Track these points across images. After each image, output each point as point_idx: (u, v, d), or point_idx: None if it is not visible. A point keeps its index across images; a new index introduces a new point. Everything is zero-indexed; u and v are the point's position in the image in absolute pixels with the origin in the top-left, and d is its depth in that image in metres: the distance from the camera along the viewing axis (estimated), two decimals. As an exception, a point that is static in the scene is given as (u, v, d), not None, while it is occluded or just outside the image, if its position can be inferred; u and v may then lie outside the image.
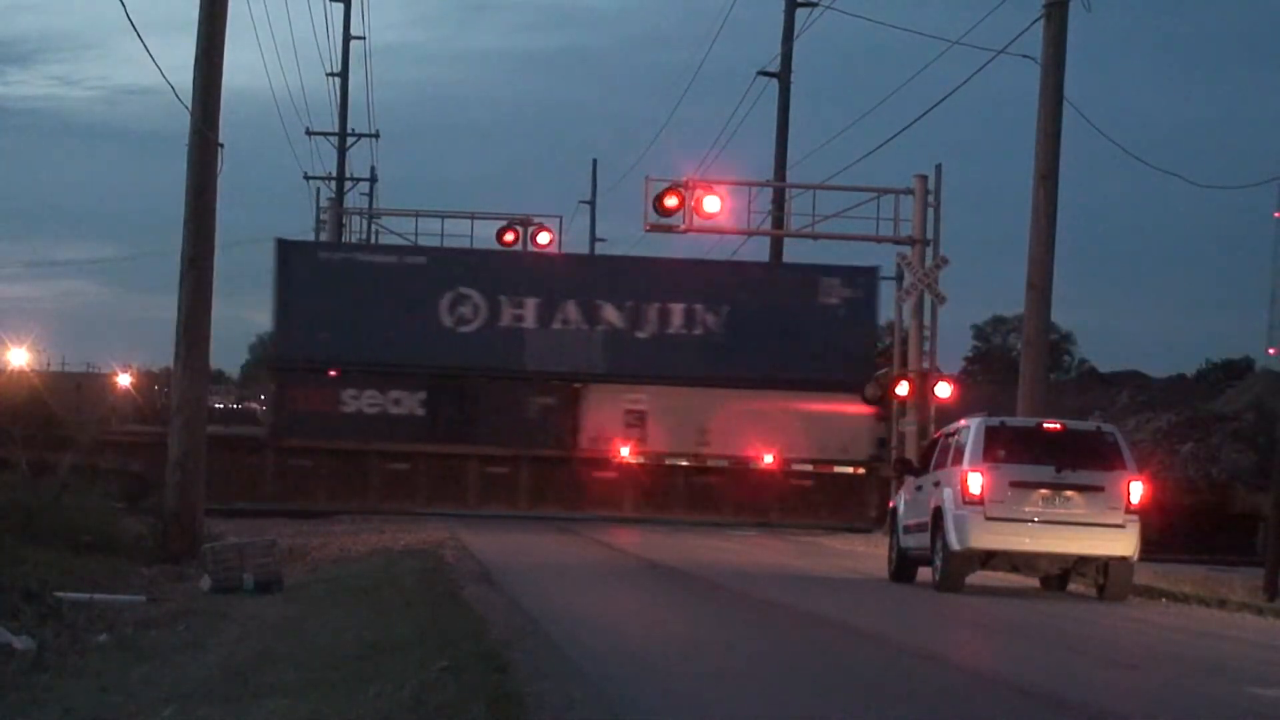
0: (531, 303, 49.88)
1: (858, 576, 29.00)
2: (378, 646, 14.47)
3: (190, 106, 27.95)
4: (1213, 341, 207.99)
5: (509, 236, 51.28)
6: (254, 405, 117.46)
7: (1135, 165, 46.73)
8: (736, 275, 51.15)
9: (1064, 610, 22.90)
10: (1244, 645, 19.26)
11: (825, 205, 46.76)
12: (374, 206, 75.32)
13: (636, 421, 49.69)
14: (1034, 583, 26.91)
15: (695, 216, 45.03)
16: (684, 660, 15.09)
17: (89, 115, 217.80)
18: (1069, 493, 24.66)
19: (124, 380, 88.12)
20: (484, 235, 52.03)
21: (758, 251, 54.98)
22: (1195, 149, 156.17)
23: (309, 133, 74.13)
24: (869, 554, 34.89)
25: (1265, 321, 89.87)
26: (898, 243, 46.16)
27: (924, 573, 26.31)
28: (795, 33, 55.92)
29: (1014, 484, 24.69)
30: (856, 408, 47.69)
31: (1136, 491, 24.75)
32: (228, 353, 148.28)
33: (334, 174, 74.21)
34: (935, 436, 29.03)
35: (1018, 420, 27.36)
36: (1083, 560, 25.04)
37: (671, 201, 44.63)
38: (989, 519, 24.60)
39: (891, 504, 29.40)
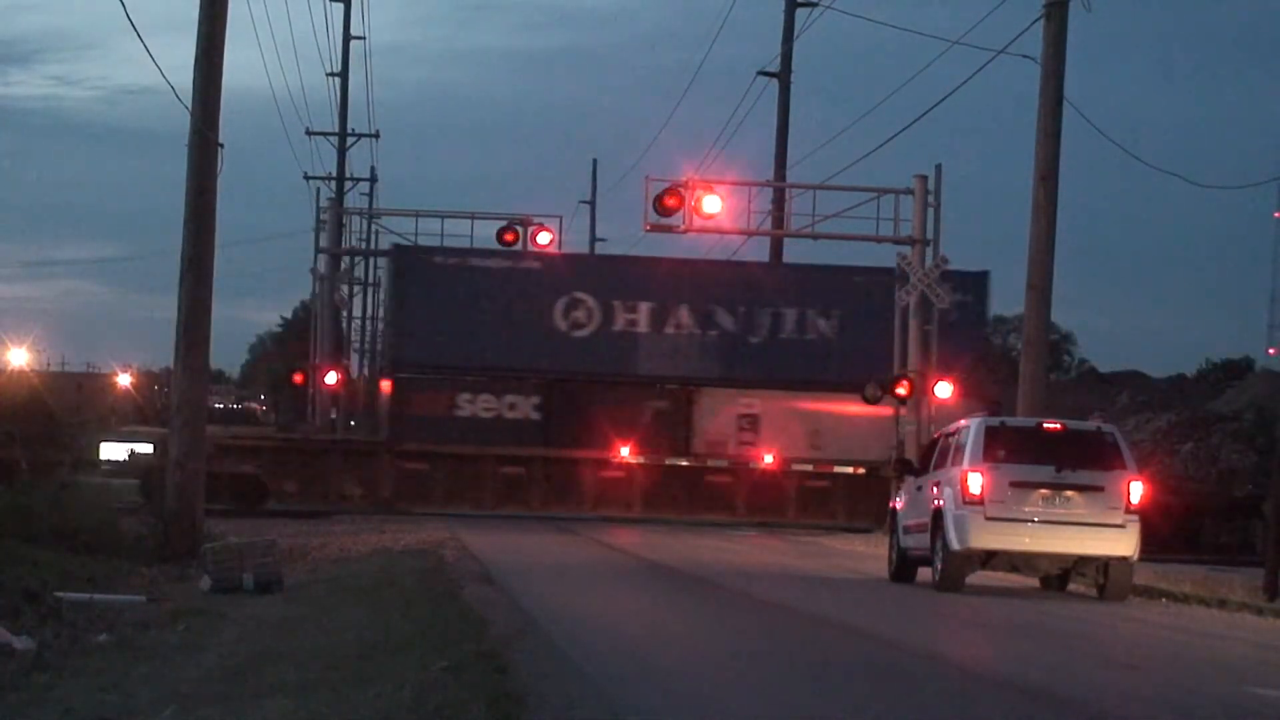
0: (644, 307, 50.09)
1: (858, 576, 29.00)
2: (378, 646, 14.47)
3: (190, 106, 27.95)
4: (1213, 341, 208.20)
5: (509, 237, 51.25)
6: (254, 405, 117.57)
7: (1135, 165, 46.72)
8: (848, 280, 51.08)
9: (1064, 610, 22.90)
10: (1244, 645, 19.26)
11: (825, 205, 46.80)
12: (374, 206, 75.40)
13: (749, 426, 49.76)
14: (1034, 583, 26.91)
15: (695, 216, 45.01)
16: (684, 660, 15.09)
17: (89, 115, 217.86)
18: (1069, 493, 24.66)
19: (124, 380, 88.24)
20: (484, 235, 52.04)
21: (758, 251, 55.04)
22: (1195, 149, 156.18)
23: (309, 133, 74.22)
24: (869, 554, 34.90)
25: (1265, 321, 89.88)
26: (898, 243, 46.15)
27: (924, 573, 26.31)
28: (795, 33, 55.96)
29: (1014, 484, 24.69)
30: (971, 409, 47.51)
31: (1136, 491, 24.74)
32: (228, 353, 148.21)
33: (334, 174, 74.25)
34: (935, 436, 29.04)
35: (1018, 420, 27.37)
36: (1083, 560, 25.04)
37: (671, 201, 44.62)
38: (989, 519, 24.59)
39: (892, 504, 29.40)
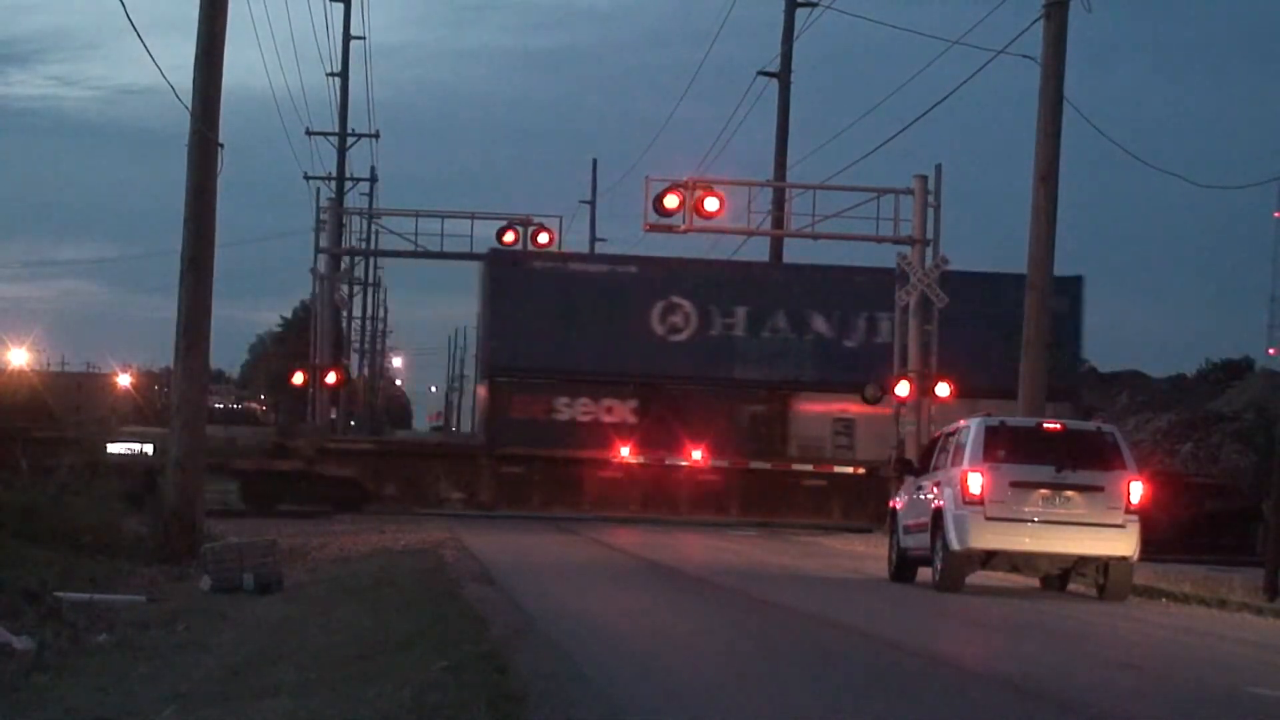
0: (741, 311, 50.12)
1: (858, 576, 29.00)
2: (378, 646, 14.47)
3: (190, 106, 27.94)
4: (1213, 341, 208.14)
5: (509, 236, 51.28)
6: (254, 405, 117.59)
7: (1135, 165, 46.75)
8: (946, 284, 51.02)
9: (1064, 610, 22.89)
10: (1244, 645, 19.26)
11: (825, 205, 46.84)
12: (374, 206, 75.39)
13: (845, 430, 49.76)
14: (1034, 583, 26.90)
15: (695, 216, 45.04)
16: (684, 659, 15.09)
17: (89, 115, 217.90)
18: (1069, 493, 24.65)
19: (124, 380, 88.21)
20: (484, 235, 52.06)
21: (758, 251, 55.05)
22: (1195, 149, 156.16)
23: (309, 133, 74.17)
24: (869, 554, 34.90)
25: (1265, 321, 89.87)
26: (898, 243, 46.18)
27: (924, 573, 26.31)
28: (795, 33, 55.97)
29: (1014, 484, 24.68)
30: (1063, 416, 47.47)
31: (1136, 491, 24.74)
32: (228, 353, 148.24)
33: (334, 174, 74.22)
34: (935, 436, 29.03)
35: (1018, 420, 27.35)
36: (1083, 560, 25.03)
37: (671, 201, 44.65)
38: (989, 519, 24.59)
39: (891, 504, 29.39)
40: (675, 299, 50.15)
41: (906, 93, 54.74)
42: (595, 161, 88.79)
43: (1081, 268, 49.41)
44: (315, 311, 54.67)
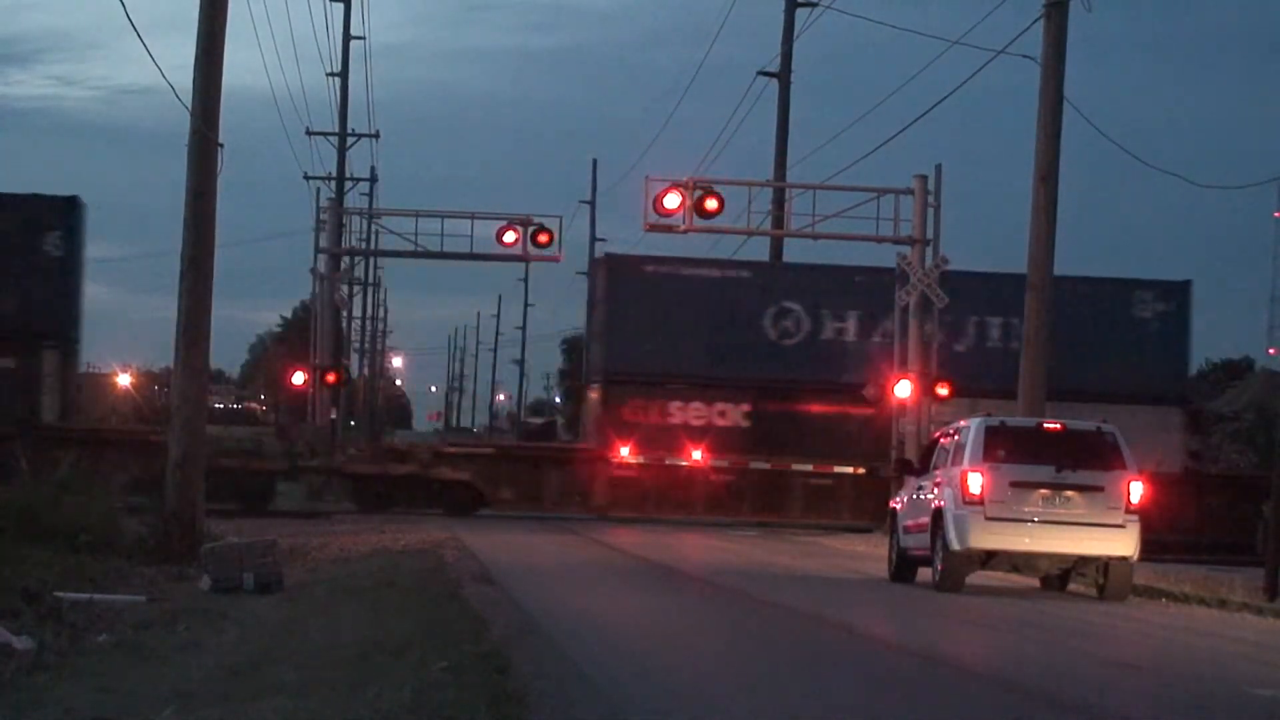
0: (852, 316, 50.13)
1: (858, 577, 29.00)
2: (378, 646, 14.46)
3: (190, 106, 27.93)
4: (1213, 341, 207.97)
5: (509, 237, 51.16)
6: (254, 405, 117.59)
7: (1135, 165, 46.82)
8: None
9: (1064, 610, 22.89)
10: (1244, 645, 19.26)
11: (825, 205, 46.85)
12: (374, 206, 75.36)
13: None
14: (1034, 583, 26.90)
15: (695, 216, 45.05)
16: (684, 659, 15.10)
17: (89, 115, 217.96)
18: (1069, 493, 24.66)
19: (124, 380, 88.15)
20: (484, 235, 51.96)
21: (758, 252, 55.03)
22: (1195, 149, 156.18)
23: (309, 133, 74.14)
24: (869, 554, 34.89)
25: (1265, 321, 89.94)
26: (898, 243, 46.19)
27: (924, 573, 26.30)
28: (795, 33, 55.98)
29: (1014, 484, 24.68)
30: (1172, 419, 47.49)
31: (1136, 491, 24.74)
32: (228, 353, 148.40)
33: (334, 174, 74.20)
34: (935, 436, 29.03)
35: (1018, 420, 27.37)
36: (1083, 560, 25.03)
37: (671, 201, 44.68)
38: (989, 519, 24.59)
39: (892, 504, 29.39)
40: (787, 304, 50.26)
41: (906, 93, 54.90)
42: (595, 161, 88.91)
43: (1081, 267, 49.32)
44: (315, 311, 54.61)
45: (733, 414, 49.76)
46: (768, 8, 59.49)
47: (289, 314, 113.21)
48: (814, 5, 54.94)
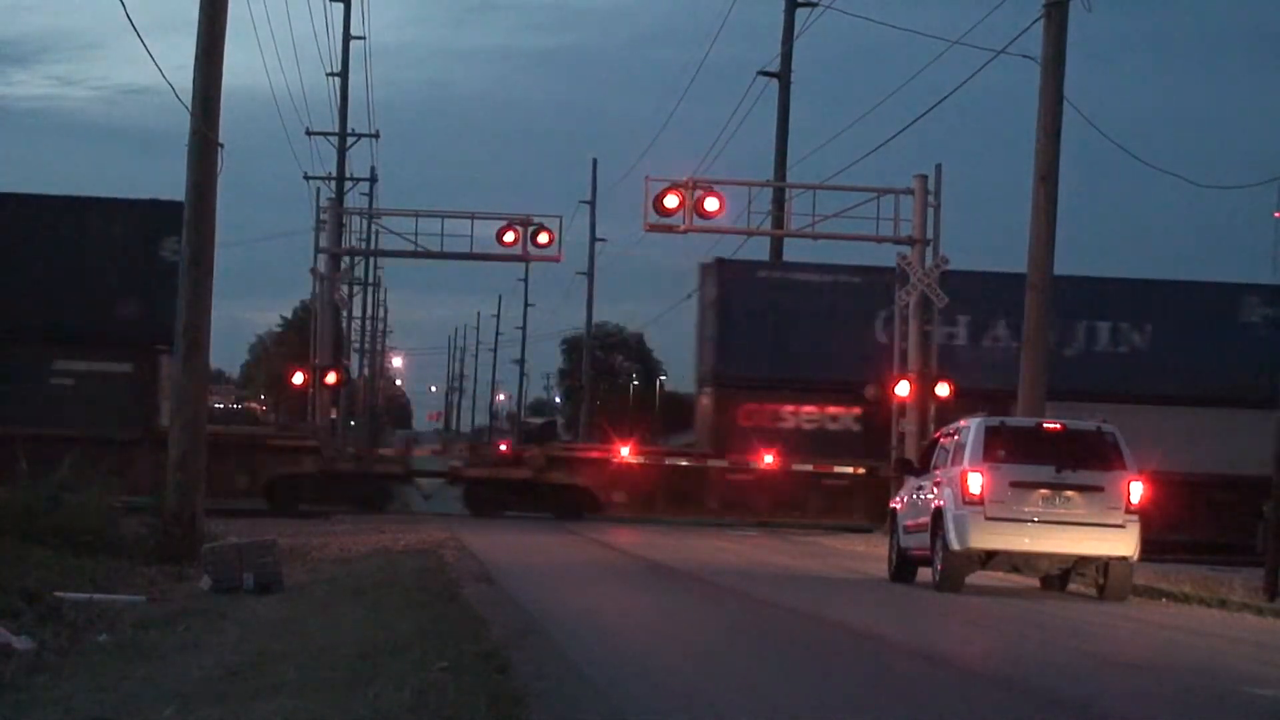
0: (963, 320, 50.05)
1: (857, 576, 28.99)
2: (378, 646, 14.46)
3: (190, 106, 27.93)
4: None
5: (509, 237, 51.17)
6: (254, 405, 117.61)
7: (1135, 164, 46.85)
8: (1159, 293, 51.16)
9: (1064, 610, 22.89)
10: (1244, 645, 19.26)
11: (825, 205, 46.89)
12: (374, 206, 75.36)
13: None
14: (1034, 583, 26.90)
15: (695, 216, 45.08)
16: (684, 659, 15.09)
17: (89, 115, 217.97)
18: (1069, 493, 24.65)
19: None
20: (484, 235, 51.97)
21: (758, 252, 55.04)
22: (1195, 148, 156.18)
23: (309, 133, 74.15)
24: (869, 554, 34.90)
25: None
26: (898, 243, 46.22)
27: (924, 573, 26.30)
28: (795, 33, 55.98)
29: (1014, 484, 24.68)
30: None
31: (1136, 491, 24.73)
32: (228, 353, 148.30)
33: (334, 174, 74.21)
34: (935, 436, 29.03)
35: (1018, 420, 27.38)
36: (1083, 560, 25.03)
37: (671, 201, 44.72)
38: (989, 519, 24.58)
39: (891, 504, 29.38)
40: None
41: (906, 93, 54.86)
42: (595, 161, 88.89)
43: (1082, 267, 49.35)
44: (315, 311, 54.66)
45: (844, 419, 49.84)
46: (768, 8, 59.59)
47: (289, 314, 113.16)
48: (814, 5, 54.98)
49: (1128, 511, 24.58)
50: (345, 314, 74.21)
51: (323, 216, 55.07)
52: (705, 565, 29.59)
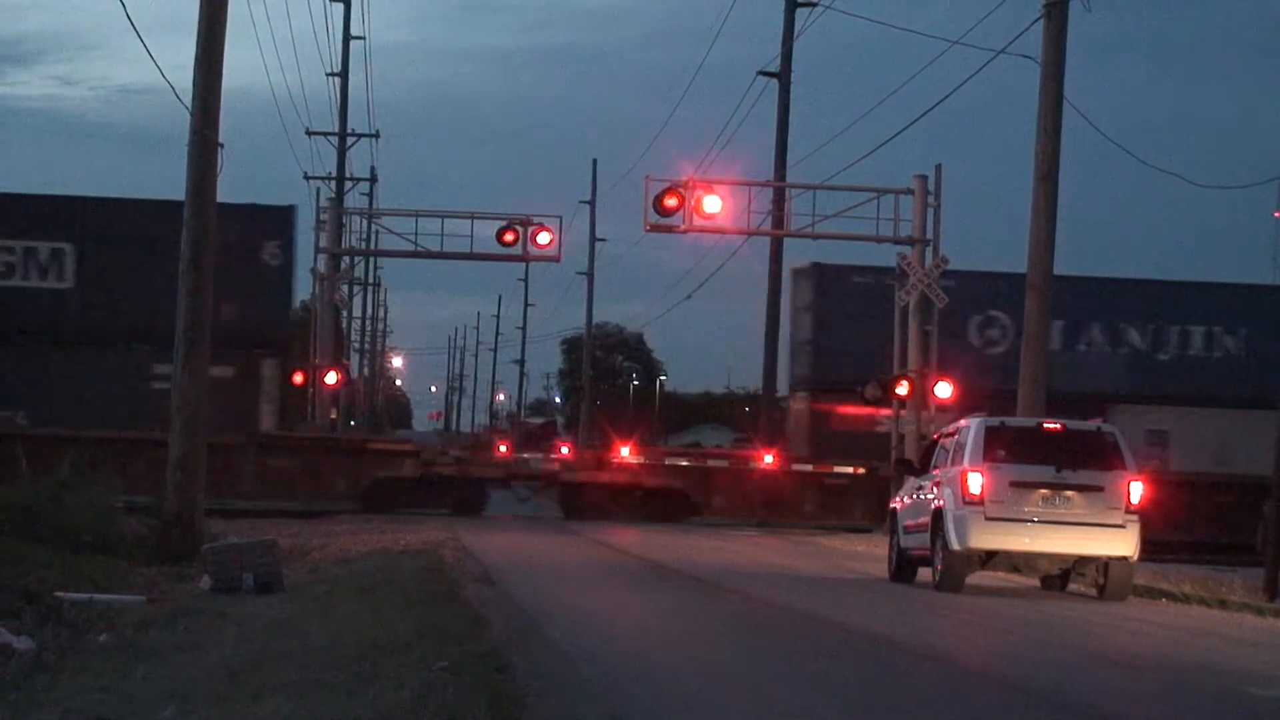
0: (1057, 325, 49.88)
1: (857, 576, 28.99)
2: (378, 646, 14.46)
3: (190, 106, 27.93)
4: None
5: (509, 237, 51.17)
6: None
7: (1135, 164, 46.92)
8: (1251, 297, 51.46)
9: (1064, 610, 22.89)
10: (1244, 645, 19.26)
11: (825, 205, 46.85)
12: (374, 206, 75.39)
13: (1158, 442, 49.77)
14: (1034, 583, 26.90)
15: (695, 216, 45.09)
16: (683, 660, 15.09)
17: (89, 115, 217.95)
18: (1069, 493, 24.65)
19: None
20: (484, 235, 51.96)
21: (758, 252, 55.06)
22: (1195, 149, 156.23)
23: (309, 133, 74.14)
24: (869, 554, 34.89)
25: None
26: (898, 243, 46.21)
27: (924, 573, 26.30)
28: (795, 33, 55.95)
29: (1014, 484, 24.68)
30: None
31: (1136, 491, 24.74)
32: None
33: (334, 174, 74.21)
34: (935, 437, 29.04)
35: (1018, 420, 27.37)
36: (1083, 560, 25.03)
37: (671, 201, 44.71)
38: (989, 519, 24.58)
39: (891, 504, 29.38)
40: (993, 312, 50.69)
41: (906, 93, 54.65)
42: (595, 161, 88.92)
43: (1082, 267, 49.44)
44: (315, 311, 54.66)
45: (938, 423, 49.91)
46: (768, 8, 59.65)
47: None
48: (814, 5, 54.94)
49: (1128, 511, 24.58)
50: (345, 314, 74.22)
51: (323, 216, 55.07)
52: (705, 565, 29.58)
